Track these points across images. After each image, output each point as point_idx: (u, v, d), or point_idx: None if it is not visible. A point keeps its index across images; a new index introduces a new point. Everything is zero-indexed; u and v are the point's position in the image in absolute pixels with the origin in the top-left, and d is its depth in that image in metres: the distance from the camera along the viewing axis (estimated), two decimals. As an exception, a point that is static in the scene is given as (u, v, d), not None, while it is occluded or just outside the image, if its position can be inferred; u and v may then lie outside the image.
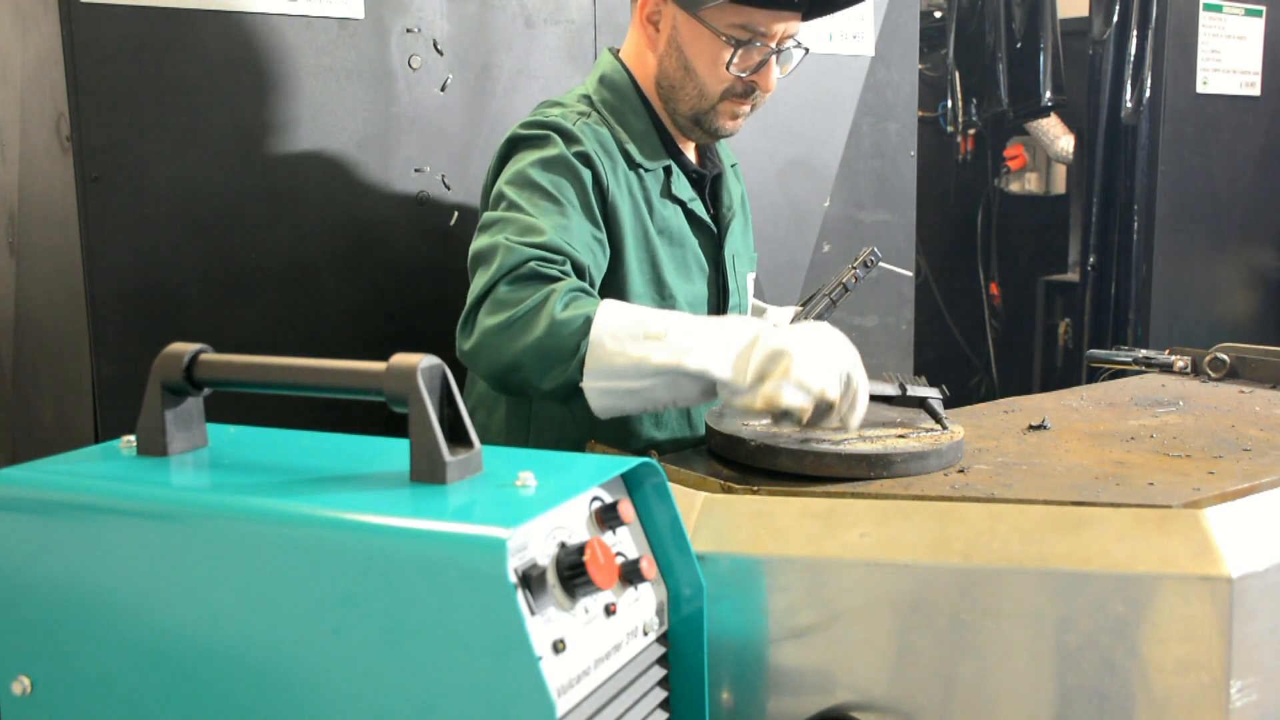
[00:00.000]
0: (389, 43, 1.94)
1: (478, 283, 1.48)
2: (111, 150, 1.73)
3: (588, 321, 1.38)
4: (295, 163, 1.88)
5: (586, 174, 1.60)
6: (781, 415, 1.33)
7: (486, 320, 1.44)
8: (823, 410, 1.33)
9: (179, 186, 1.78)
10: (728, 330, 1.37)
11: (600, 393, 1.38)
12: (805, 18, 1.71)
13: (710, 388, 1.36)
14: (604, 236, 1.60)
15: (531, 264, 1.45)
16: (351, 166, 1.93)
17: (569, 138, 1.62)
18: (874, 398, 1.41)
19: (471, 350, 1.46)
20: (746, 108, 1.71)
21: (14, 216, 2.03)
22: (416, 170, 2.00)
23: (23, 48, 1.88)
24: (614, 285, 1.64)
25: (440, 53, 2.00)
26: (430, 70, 1.99)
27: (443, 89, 2.01)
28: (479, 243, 1.53)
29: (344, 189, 1.93)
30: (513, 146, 1.65)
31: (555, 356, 1.39)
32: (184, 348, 0.99)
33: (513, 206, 1.56)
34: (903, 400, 1.43)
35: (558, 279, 1.45)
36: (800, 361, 1.31)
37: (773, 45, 1.66)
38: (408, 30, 1.96)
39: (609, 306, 1.40)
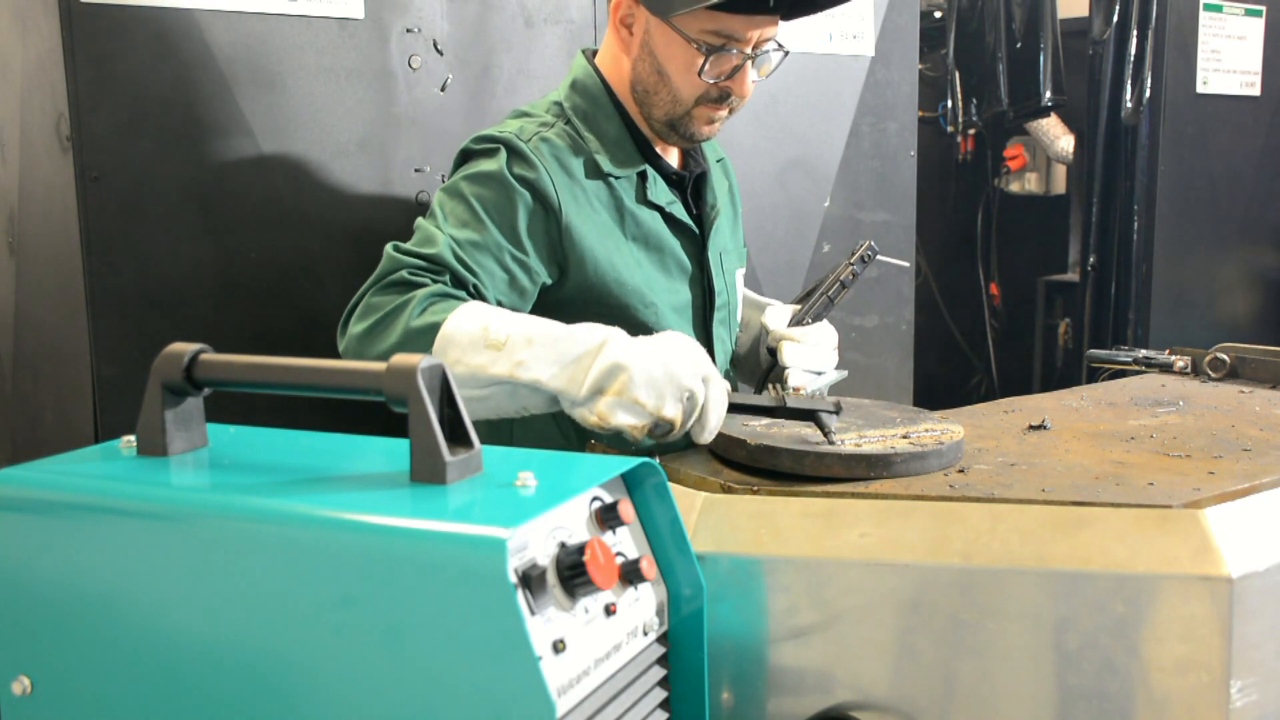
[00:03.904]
0: (389, 43, 1.94)
1: (360, 289, 1.51)
2: (111, 150, 1.73)
3: (434, 329, 1.38)
4: (295, 163, 1.88)
5: (524, 195, 1.58)
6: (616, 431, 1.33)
7: (354, 326, 1.47)
8: (663, 428, 1.33)
9: (179, 186, 1.78)
10: (571, 339, 1.36)
11: None
12: (786, 18, 1.68)
13: (554, 398, 1.36)
14: (531, 260, 1.58)
15: (402, 272, 1.47)
16: (351, 166, 1.93)
17: (516, 155, 1.60)
18: (750, 408, 1.38)
19: (342, 354, 1.49)
20: (723, 112, 1.68)
21: (14, 216, 2.03)
22: (416, 170, 2.00)
23: (23, 48, 1.88)
24: (590, 297, 1.63)
25: (440, 53, 2.00)
26: (430, 70, 1.99)
27: (443, 89, 2.01)
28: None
29: (344, 189, 1.93)
30: (464, 159, 1.65)
31: None
32: (184, 348, 0.99)
33: (432, 215, 1.57)
34: (785, 413, 1.37)
35: (424, 286, 1.46)
36: (636, 379, 1.31)
37: (748, 51, 1.62)
38: (408, 30, 1.96)
39: (461, 312, 1.40)
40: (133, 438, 1.04)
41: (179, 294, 1.80)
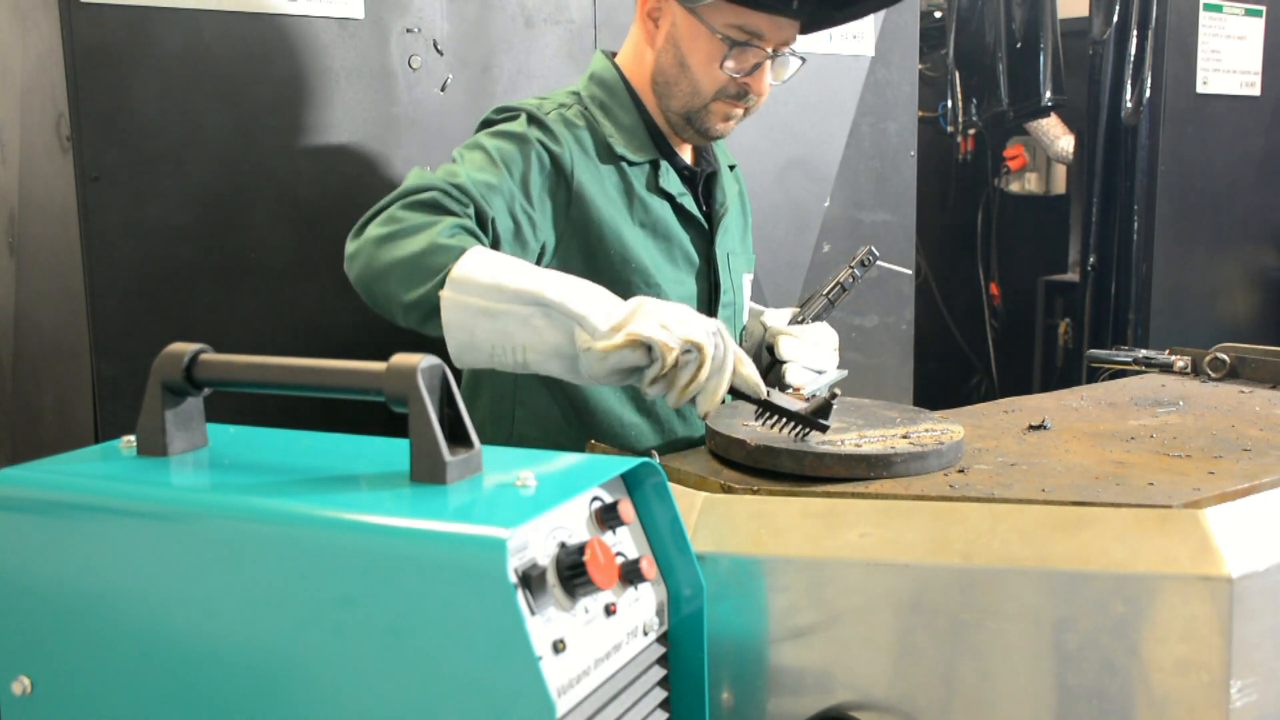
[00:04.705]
0: (389, 43, 1.94)
1: (382, 201, 1.48)
2: (111, 150, 1.73)
3: (464, 250, 1.37)
4: (295, 163, 1.88)
5: (542, 155, 1.61)
6: (640, 363, 1.27)
7: (373, 230, 1.45)
8: (688, 359, 1.28)
9: (179, 186, 1.78)
10: (599, 287, 1.35)
11: (457, 306, 1.33)
12: (804, 30, 1.72)
13: (569, 336, 1.30)
14: (538, 217, 1.60)
15: (434, 193, 1.46)
16: (351, 166, 1.93)
17: (537, 122, 1.64)
18: (774, 406, 1.35)
19: (351, 255, 1.47)
20: (739, 110, 1.72)
21: (14, 216, 2.03)
22: (416, 170, 2.00)
23: (23, 48, 1.88)
24: (594, 267, 1.64)
25: (440, 53, 2.00)
26: (430, 70, 1.99)
27: (443, 89, 2.01)
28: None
29: (344, 189, 1.93)
30: (484, 127, 1.68)
31: (424, 272, 1.37)
32: (184, 348, 0.99)
33: (452, 161, 1.59)
34: (803, 418, 1.34)
35: (453, 215, 1.46)
36: (663, 307, 1.30)
37: (768, 49, 1.67)
38: (408, 30, 1.96)
39: (488, 249, 1.40)
40: (133, 438, 1.04)
41: (179, 294, 1.80)
